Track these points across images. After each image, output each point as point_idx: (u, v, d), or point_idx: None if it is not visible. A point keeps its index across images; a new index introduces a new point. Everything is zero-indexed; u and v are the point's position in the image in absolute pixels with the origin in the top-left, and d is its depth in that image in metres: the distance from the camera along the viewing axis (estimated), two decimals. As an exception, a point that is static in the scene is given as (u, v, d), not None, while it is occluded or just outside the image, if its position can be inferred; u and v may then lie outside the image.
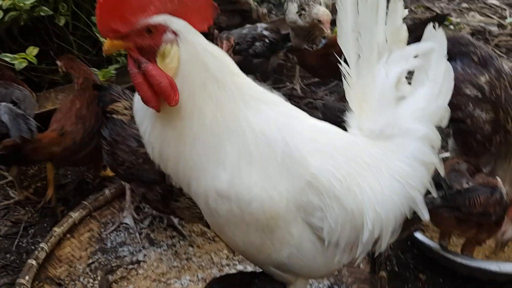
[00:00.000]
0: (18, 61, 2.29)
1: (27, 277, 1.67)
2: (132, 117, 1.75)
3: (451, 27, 3.80)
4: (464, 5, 4.12)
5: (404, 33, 1.27)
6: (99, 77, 2.33)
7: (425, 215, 1.26)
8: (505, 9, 3.98)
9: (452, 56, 1.91)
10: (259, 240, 1.18)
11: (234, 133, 1.12)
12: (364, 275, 1.77)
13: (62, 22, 2.47)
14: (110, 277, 1.78)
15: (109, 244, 1.92)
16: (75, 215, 1.93)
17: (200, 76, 1.09)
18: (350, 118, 1.32)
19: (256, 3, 3.18)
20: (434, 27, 1.23)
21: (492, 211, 1.58)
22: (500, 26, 3.71)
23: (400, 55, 1.25)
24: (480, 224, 1.63)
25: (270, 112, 1.18)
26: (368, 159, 1.24)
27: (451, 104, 1.89)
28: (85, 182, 2.27)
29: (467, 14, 4.02)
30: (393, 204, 1.23)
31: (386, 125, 1.26)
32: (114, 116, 1.82)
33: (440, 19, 2.78)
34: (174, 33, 1.05)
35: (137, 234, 1.95)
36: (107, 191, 2.05)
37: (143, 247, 1.91)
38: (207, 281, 1.77)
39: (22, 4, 2.32)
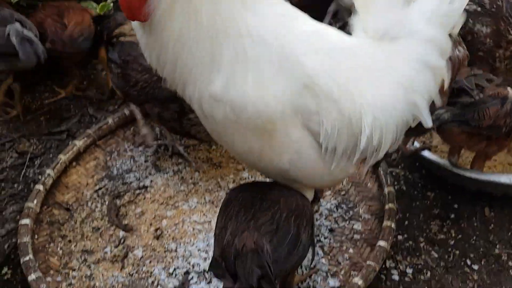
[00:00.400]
0: None
1: (35, 201, 1.69)
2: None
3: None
4: None
5: None
6: (97, 11, 2.28)
7: (428, 122, 1.22)
8: None
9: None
10: (258, 146, 1.16)
11: (230, 35, 1.08)
12: (372, 193, 1.77)
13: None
14: (117, 202, 1.79)
15: (115, 172, 1.91)
16: (79, 143, 1.92)
17: None
18: (355, 21, 1.27)
19: None
20: None
21: (502, 123, 1.54)
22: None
23: None
24: (489, 137, 1.60)
25: (268, 13, 1.13)
26: (369, 61, 1.20)
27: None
28: (88, 114, 2.25)
29: None
30: (394, 109, 1.19)
31: (392, 25, 1.20)
32: (122, 39, 1.78)
33: None
34: None
35: (143, 162, 1.95)
36: (110, 120, 2.03)
37: (149, 174, 1.90)
38: (215, 203, 1.78)
39: None
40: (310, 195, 1.37)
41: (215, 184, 1.85)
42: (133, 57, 1.72)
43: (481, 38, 1.70)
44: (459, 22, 1.24)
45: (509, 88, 1.59)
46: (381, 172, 1.73)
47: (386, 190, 1.68)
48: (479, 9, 1.70)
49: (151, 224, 1.70)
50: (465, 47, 1.80)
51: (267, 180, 1.41)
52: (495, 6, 1.70)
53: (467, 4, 1.68)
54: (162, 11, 1.06)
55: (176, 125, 1.71)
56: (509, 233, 1.67)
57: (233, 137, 1.18)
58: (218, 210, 1.70)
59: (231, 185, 1.85)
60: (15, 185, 1.93)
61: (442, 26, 1.20)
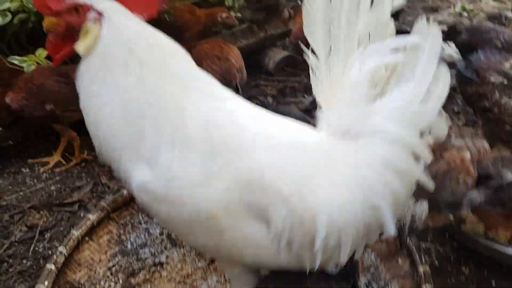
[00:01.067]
0: (27, 64, 2.23)
1: (46, 282, 1.57)
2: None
3: (465, 13, 3.70)
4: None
5: (392, 28, 1.11)
6: None
7: (390, 230, 1.08)
8: (518, -7, 3.88)
9: (473, 46, 1.80)
10: (212, 243, 1.09)
11: (163, 124, 1.05)
12: (404, 271, 1.66)
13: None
14: (132, 280, 1.68)
15: (129, 246, 1.81)
16: (93, 217, 1.83)
17: (121, 54, 1.05)
18: (320, 114, 1.19)
19: None
20: (427, 20, 1.05)
21: None
22: (515, 10, 3.61)
23: (378, 47, 1.08)
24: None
25: (213, 105, 1.09)
26: (326, 159, 1.12)
27: (477, 94, 1.78)
28: (101, 184, 2.18)
29: (480, 0, 3.93)
30: (352, 212, 1.09)
31: (354, 122, 1.11)
32: None
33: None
34: (99, 13, 1.07)
35: (158, 235, 1.85)
36: (125, 192, 1.95)
37: (165, 248, 1.80)
38: (235, 281, 1.67)
39: (30, 6, 2.27)
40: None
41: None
42: None
43: (508, 112, 1.64)
44: (440, 124, 1.10)
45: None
46: (413, 248, 1.63)
47: (421, 269, 1.57)
48: (505, 81, 1.64)
49: (168, 306, 1.59)
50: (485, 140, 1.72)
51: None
52: None
53: (492, 76, 1.67)
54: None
55: None
56: (553, 313, 1.56)
57: (182, 233, 1.11)
58: (240, 290, 1.62)
59: (252, 261, 1.74)
60: (24, 261, 1.83)
61: (413, 125, 1.07)
